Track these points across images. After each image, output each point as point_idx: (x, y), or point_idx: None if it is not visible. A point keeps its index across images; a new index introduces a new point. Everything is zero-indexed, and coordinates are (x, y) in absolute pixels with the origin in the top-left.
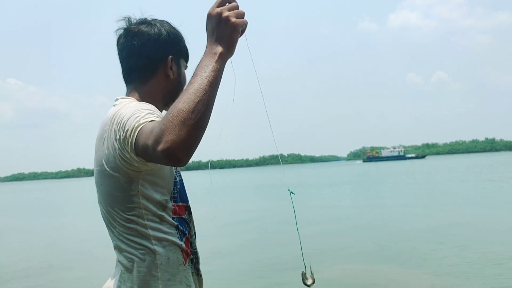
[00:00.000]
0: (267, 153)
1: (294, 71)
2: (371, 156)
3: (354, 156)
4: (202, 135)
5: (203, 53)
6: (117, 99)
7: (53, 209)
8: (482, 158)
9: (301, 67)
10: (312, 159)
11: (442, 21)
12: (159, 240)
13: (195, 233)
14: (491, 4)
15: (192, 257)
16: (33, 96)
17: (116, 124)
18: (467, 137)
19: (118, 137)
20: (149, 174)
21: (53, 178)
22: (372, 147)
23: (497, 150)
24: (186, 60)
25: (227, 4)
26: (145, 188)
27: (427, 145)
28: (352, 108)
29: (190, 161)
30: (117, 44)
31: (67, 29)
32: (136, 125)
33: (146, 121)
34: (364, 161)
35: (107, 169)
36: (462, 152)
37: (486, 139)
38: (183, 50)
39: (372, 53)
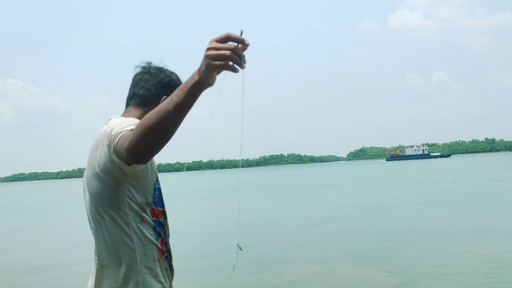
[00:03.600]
0: (267, 153)
1: (293, 70)
2: (394, 155)
3: (354, 156)
4: (157, 147)
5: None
6: (110, 119)
7: (52, 209)
8: (483, 158)
9: (300, 66)
10: (312, 159)
11: (442, 21)
12: (139, 238)
13: (169, 234)
14: (491, 4)
15: (166, 254)
16: (33, 96)
17: (107, 135)
18: (466, 137)
19: (108, 143)
20: (133, 178)
21: (54, 178)
22: (371, 147)
23: (497, 150)
24: None
25: (230, 42)
26: (129, 191)
27: (426, 145)
28: (352, 108)
29: (190, 161)
30: (134, 76)
31: (68, 29)
32: (118, 132)
33: (127, 129)
34: (387, 160)
35: (99, 171)
36: (462, 152)
37: (486, 139)
38: None
39: (372, 53)
